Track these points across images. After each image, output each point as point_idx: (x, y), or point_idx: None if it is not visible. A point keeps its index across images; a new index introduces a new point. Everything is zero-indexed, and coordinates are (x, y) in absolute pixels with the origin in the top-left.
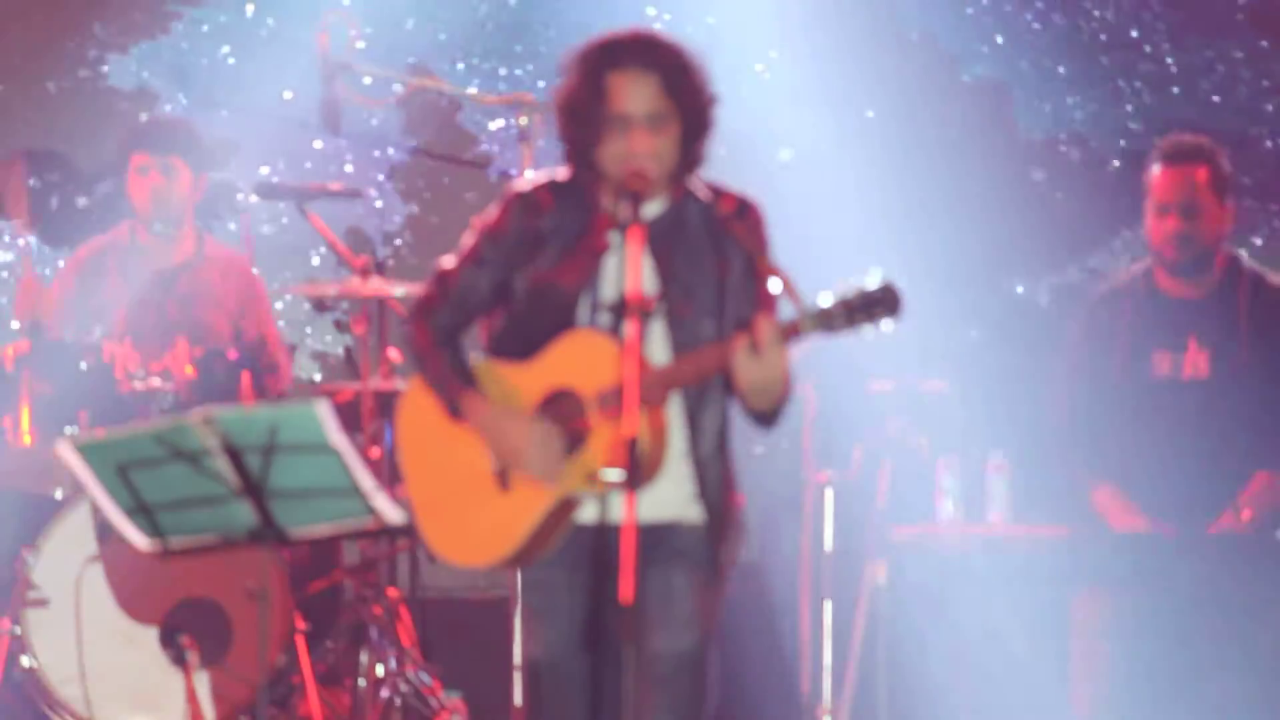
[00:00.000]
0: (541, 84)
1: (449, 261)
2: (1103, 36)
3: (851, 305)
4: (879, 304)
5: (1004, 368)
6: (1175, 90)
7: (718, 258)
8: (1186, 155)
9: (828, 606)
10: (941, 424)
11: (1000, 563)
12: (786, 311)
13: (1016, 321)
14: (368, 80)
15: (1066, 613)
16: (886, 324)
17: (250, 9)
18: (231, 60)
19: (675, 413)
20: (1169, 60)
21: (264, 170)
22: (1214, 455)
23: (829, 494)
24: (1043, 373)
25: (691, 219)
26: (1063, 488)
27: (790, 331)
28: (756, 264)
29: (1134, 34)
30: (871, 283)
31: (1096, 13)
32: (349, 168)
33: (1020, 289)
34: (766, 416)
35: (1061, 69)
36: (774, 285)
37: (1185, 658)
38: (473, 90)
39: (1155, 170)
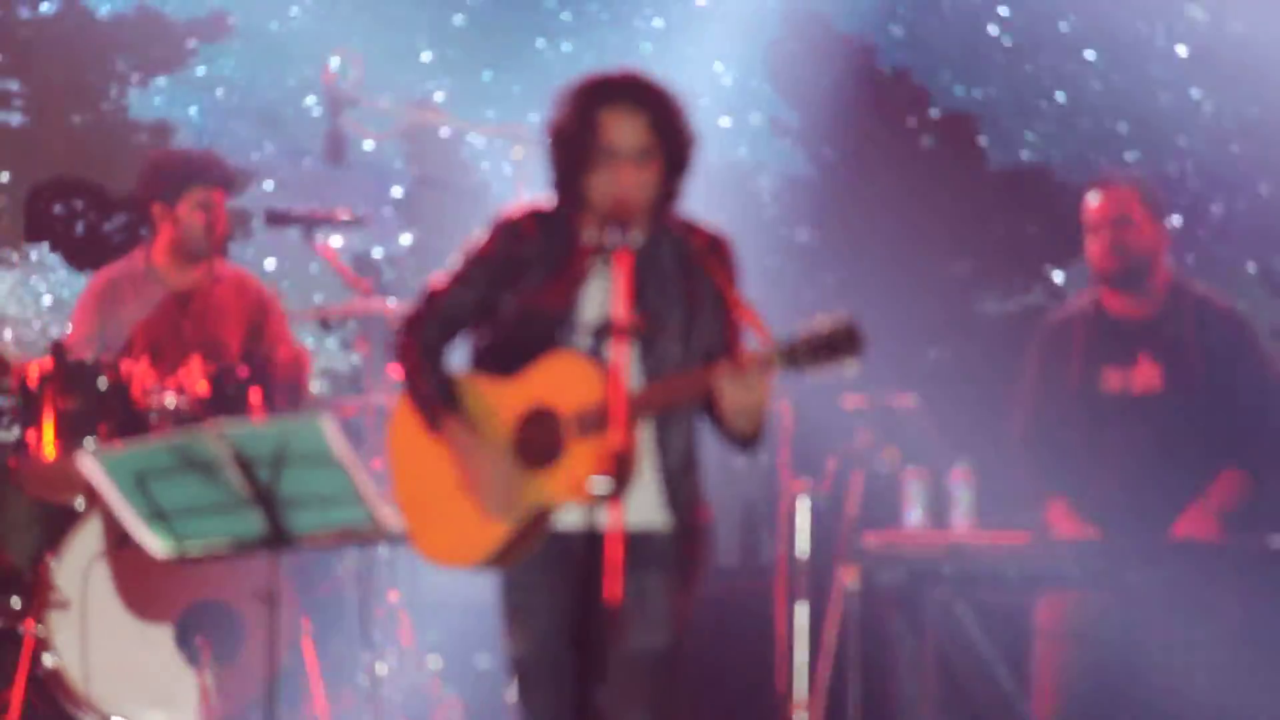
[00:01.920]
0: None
1: (438, 280)
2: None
3: (815, 345)
4: (842, 345)
5: (969, 383)
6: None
7: (688, 289)
8: (1116, 179)
9: (802, 609)
10: (909, 436)
11: (965, 567)
12: (753, 345)
13: (981, 340)
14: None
15: (1029, 616)
16: (850, 364)
17: (262, 45)
18: (243, 93)
19: (645, 431)
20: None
21: (273, 199)
22: (1167, 466)
23: (803, 503)
24: (1005, 388)
25: (665, 251)
26: (1022, 498)
27: (763, 365)
28: (725, 297)
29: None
30: (835, 324)
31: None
32: (354, 197)
33: (986, 309)
34: (747, 439)
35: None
36: (742, 321)
37: (1142, 660)
38: (470, 122)
39: (1090, 199)
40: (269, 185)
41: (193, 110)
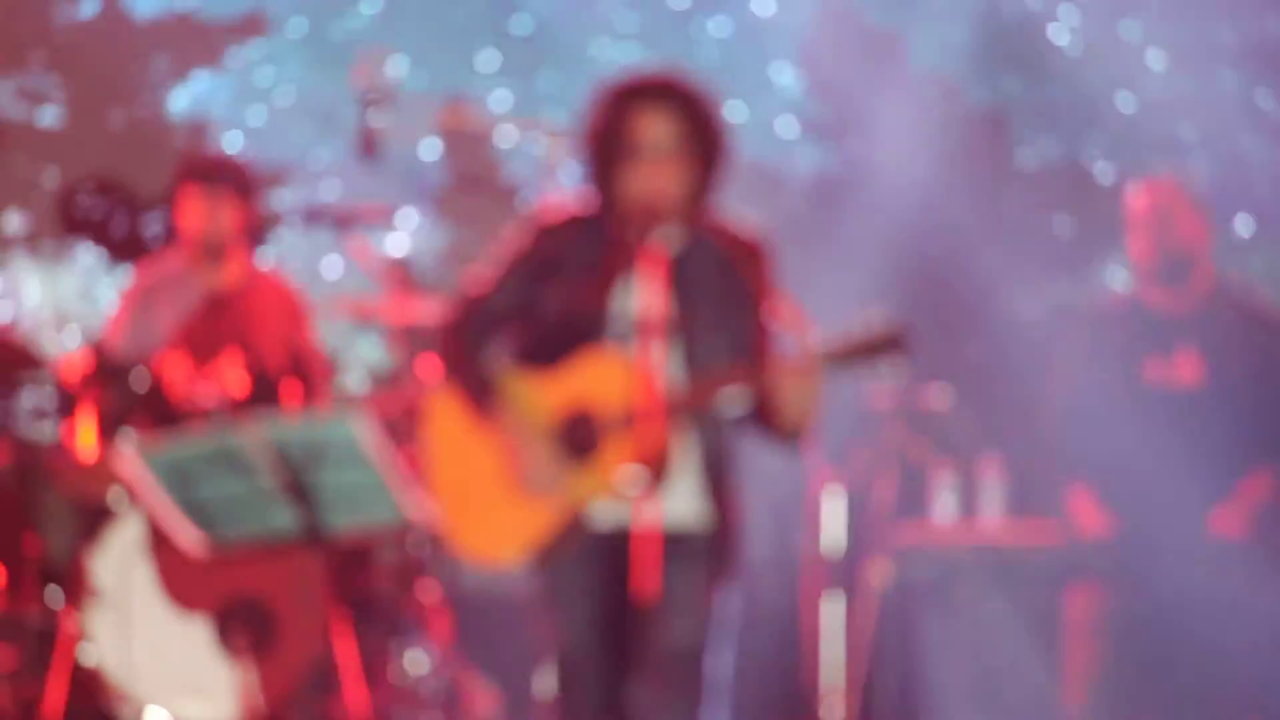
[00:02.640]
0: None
1: (476, 279)
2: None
3: (863, 345)
4: (889, 345)
5: (1001, 377)
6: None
7: (724, 288)
8: (1159, 176)
9: (832, 604)
10: (940, 430)
11: (995, 561)
12: (796, 345)
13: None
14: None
15: (1059, 609)
16: (894, 365)
17: (299, 40)
18: (281, 90)
19: (685, 429)
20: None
21: (308, 197)
22: (1201, 462)
23: (834, 497)
24: (1038, 382)
25: (702, 250)
26: (1051, 491)
27: (815, 364)
28: (759, 298)
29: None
30: (882, 325)
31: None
32: (388, 194)
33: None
34: (791, 436)
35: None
36: (783, 320)
37: (1173, 655)
38: (503, 118)
39: (1134, 194)
40: (332, 185)
41: (254, 110)
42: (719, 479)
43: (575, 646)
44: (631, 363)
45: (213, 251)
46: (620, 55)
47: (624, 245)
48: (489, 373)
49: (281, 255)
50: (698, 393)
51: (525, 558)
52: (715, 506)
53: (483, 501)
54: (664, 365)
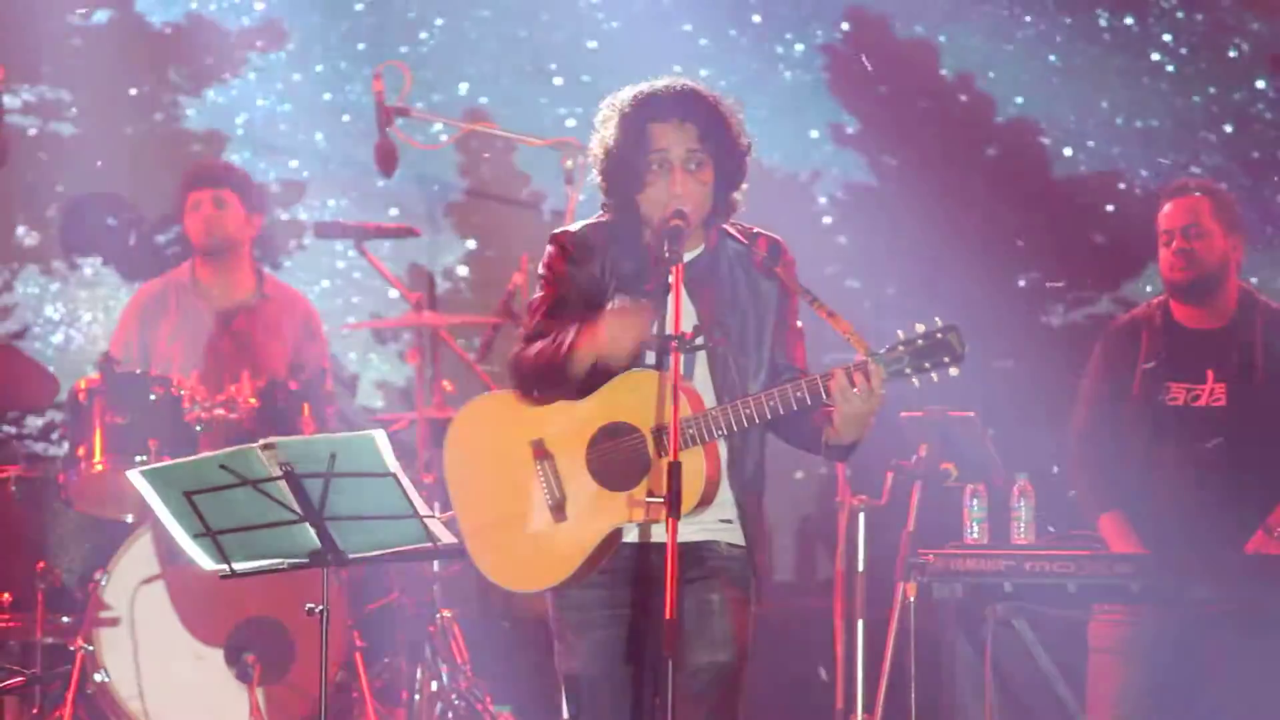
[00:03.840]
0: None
1: (534, 307)
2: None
3: (919, 350)
4: (945, 349)
5: (1031, 395)
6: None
7: (753, 298)
8: (1190, 189)
9: (860, 624)
10: (968, 450)
11: (1024, 582)
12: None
13: (1047, 351)
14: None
15: (1087, 631)
16: (952, 369)
17: (315, 54)
18: (294, 104)
19: (721, 447)
20: (1195, 99)
21: (326, 209)
22: (1228, 480)
23: (862, 517)
24: (1067, 400)
25: (727, 261)
26: (1079, 506)
27: (875, 373)
28: (792, 304)
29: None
30: (938, 329)
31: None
32: (407, 207)
33: (1053, 320)
34: (848, 449)
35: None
36: (839, 327)
37: (1199, 676)
38: (522, 133)
39: (1162, 207)
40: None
41: (270, 122)
42: (750, 493)
43: (594, 669)
44: (667, 380)
45: (219, 252)
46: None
47: (655, 260)
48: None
49: (296, 269)
50: (756, 406)
51: (558, 583)
52: (747, 523)
53: (513, 527)
54: (695, 381)
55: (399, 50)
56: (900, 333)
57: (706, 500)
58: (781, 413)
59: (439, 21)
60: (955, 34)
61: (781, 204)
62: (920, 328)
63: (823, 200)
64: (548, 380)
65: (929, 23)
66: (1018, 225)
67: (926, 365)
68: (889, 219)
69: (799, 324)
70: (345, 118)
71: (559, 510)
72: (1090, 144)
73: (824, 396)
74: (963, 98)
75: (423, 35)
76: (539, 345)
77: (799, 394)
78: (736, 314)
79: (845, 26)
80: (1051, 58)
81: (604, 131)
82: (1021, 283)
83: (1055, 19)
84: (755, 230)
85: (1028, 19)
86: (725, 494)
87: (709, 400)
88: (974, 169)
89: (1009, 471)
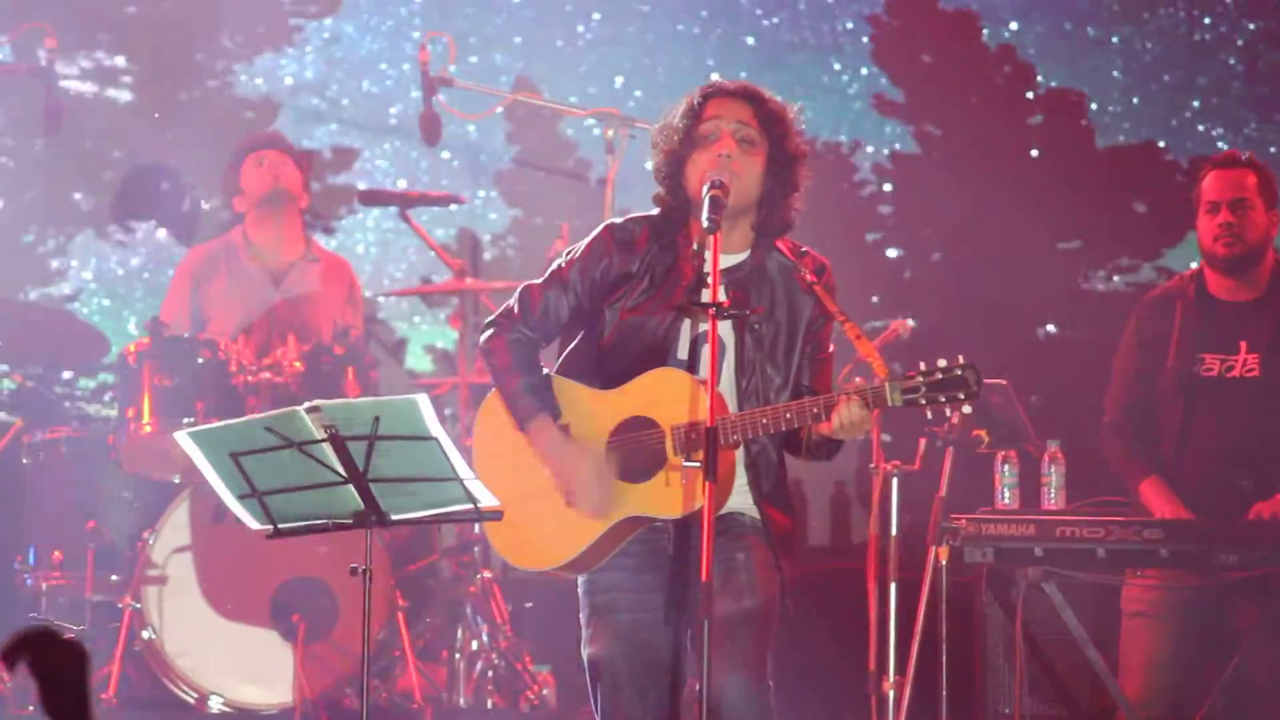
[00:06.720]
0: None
1: (536, 281)
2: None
3: (933, 384)
4: (959, 385)
5: (1067, 361)
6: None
7: (790, 313)
8: (1236, 162)
9: (893, 588)
10: (1001, 417)
11: (1055, 547)
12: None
13: (1087, 317)
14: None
15: (1118, 596)
16: (965, 405)
17: (365, 23)
18: (348, 71)
19: (739, 449)
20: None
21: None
22: (1260, 450)
23: (896, 482)
24: (1103, 367)
25: (771, 273)
26: (1114, 477)
27: (878, 398)
28: (827, 329)
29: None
30: (955, 364)
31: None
32: (457, 175)
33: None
34: (832, 452)
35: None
36: (863, 349)
37: (1230, 640)
38: (566, 103)
39: (1206, 177)
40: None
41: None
42: (766, 477)
43: (620, 651)
44: (695, 382)
45: (279, 202)
46: None
47: (692, 262)
48: (540, 378)
49: (343, 236)
50: (771, 418)
51: (566, 565)
52: (762, 499)
53: (527, 507)
54: (721, 385)
55: (450, 20)
56: (922, 364)
57: (719, 503)
58: (796, 426)
59: None
60: (997, 5)
61: (823, 173)
62: (942, 362)
63: (866, 168)
64: (498, 392)
65: None
66: (1060, 194)
67: (941, 399)
68: (930, 188)
69: (831, 348)
70: (393, 87)
71: (574, 495)
72: (1132, 114)
73: (827, 415)
74: (1006, 68)
75: (469, 10)
76: (511, 359)
77: (815, 410)
78: (771, 325)
79: None
80: (1090, 30)
81: (668, 115)
82: (1062, 249)
83: None
84: (804, 248)
85: None
86: (744, 492)
87: (731, 405)
88: (1017, 138)
89: (1040, 437)
